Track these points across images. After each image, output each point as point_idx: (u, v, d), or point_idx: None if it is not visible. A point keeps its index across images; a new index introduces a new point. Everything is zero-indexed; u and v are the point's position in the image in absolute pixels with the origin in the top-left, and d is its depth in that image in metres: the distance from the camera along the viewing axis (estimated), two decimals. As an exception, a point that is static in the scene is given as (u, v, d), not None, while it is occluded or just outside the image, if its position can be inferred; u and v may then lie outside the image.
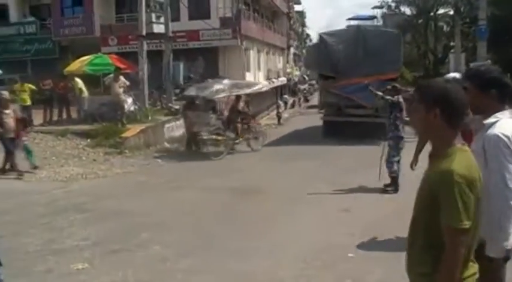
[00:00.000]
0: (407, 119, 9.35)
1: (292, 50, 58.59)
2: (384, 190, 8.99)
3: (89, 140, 14.31)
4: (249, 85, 17.55)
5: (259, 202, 8.68)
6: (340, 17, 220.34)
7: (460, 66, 22.42)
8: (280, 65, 45.11)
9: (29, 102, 16.53)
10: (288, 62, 51.55)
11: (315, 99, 42.25)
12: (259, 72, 34.00)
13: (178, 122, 16.55)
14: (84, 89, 17.25)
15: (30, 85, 17.11)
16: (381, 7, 44.53)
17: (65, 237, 6.55)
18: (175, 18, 23.66)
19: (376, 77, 15.19)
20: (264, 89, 19.49)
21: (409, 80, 32.80)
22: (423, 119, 2.26)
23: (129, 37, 24.82)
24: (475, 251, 2.24)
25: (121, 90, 15.52)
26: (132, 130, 14.80)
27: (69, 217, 7.56)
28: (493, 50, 26.84)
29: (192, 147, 14.66)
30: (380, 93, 9.90)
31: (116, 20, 28.47)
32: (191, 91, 15.68)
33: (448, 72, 13.70)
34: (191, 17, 27.01)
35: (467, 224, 2.08)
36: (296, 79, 51.87)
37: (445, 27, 42.66)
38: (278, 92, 35.82)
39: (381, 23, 45.78)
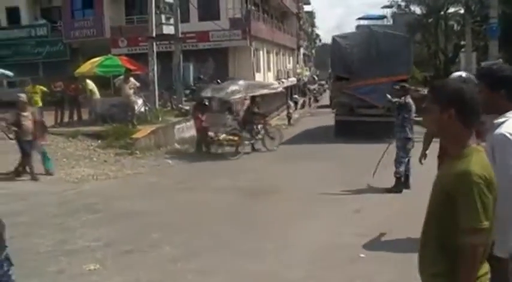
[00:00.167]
0: (416, 119, 9.32)
1: (302, 50, 58.59)
2: (387, 190, 8.95)
3: (99, 141, 14.35)
4: (264, 86, 17.65)
5: (269, 203, 8.68)
6: (350, 16, 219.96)
7: (470, 65, 22.16)
8: (290, 66, 45.13)
9: (40, 104, 16.64)
10: (297, 62, 51.54)
11: (324, 99, 42.19)
12: (269, 73, 34.05)
13: (188, 123, 16.56)
14: (95, 90, 17.38)
15: (41, 87, 17.30)
16: (390, 6, 44.23)
17: (76, 238, 6.58)
18: (185, 19, 23.75)
19: (388, 78, 15.51)
20: (280, 89, 19.60)
21: (420, 79, 32.62)
22: (437, 119, 2.25)
23: (139, 38, 24.97)
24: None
25: (131, 91, 15.55)
26: (143, 131, 14.82)
27: (80, 218, 7.60)
28: (504, 49, 26.53)
29: (202, 148, 14.68)
30: (389, 97, 9.85)
31: (126, 21, 28.67)
32: (207, 92, 15.75)
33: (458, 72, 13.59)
34: (201, 18, 27.14)
35: (486, 224, 2.08)
36: (306, 79, 51.82)
37: (455, 26, 42.24)
38: (288, 92, 35.80)
39: (390, 22, 45.55)
